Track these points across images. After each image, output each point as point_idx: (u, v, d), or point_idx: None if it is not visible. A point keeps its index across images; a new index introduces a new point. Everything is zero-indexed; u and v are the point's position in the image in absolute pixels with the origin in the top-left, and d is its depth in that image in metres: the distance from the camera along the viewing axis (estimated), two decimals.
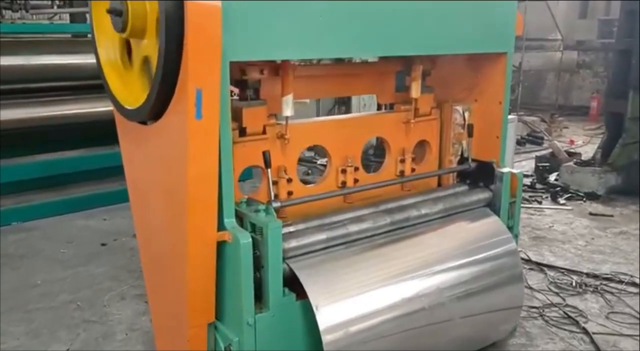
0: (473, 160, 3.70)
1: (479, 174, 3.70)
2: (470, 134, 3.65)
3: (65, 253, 5.34)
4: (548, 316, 4.18)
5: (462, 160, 3.80)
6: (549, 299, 4.44)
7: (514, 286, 3.57)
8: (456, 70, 3.82)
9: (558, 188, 7.46)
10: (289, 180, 3.18)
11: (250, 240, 2.57)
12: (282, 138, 3.11)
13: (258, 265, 2.66)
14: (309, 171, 8.22)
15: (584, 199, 7.16)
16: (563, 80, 15.16)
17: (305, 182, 3.41)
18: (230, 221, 2.63)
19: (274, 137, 3.10)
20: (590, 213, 6.63)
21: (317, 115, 8.74)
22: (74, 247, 5.49)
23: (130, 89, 2.80)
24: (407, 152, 3.67)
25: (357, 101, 8.77)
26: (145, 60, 2.65)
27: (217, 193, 2.55)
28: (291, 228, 2.96)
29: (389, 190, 3.62)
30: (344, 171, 3.41)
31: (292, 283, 2.78)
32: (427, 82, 3.71)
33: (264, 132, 3.04)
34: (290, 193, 3.19)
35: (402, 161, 3.67)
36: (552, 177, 7.96)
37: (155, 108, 2.51)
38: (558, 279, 4.81)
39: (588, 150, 9.70)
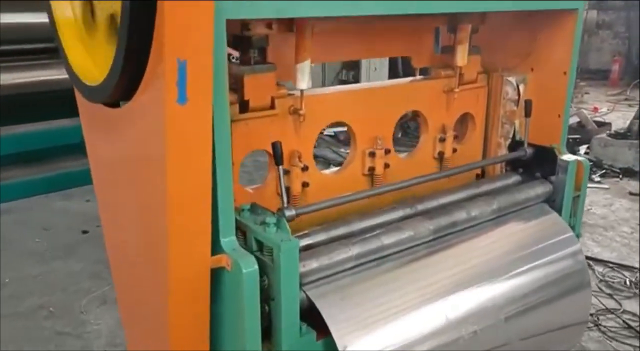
0: (529, 145, 2.98)
1: (537, 162, 2.98)
2: (527, 113, 2.91)
3: (39, 243, 4.66)
4: (605, 327, 3.54)
5: (515, 144, 3.08)
6: (602, 303, 3.80)
7: (581, 296, 2.91)
8: (508, 30, 3.05)
9: (590, 163, 6.75)
10: (305, 169, 2.46)
11: (256, 267, 1.88)
12: (295, 114, 2.38)
13: (267, 296, 1.98)
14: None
15: (620, 176, 6.47)
16: (581, 42, 14.24)
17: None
18: (229, 240, 1.93)
19: (285, 112, 2.36)
20: (630, 193, 5.96)
21: (323, 83, 7.90)
22: (50, 235, 4.80)
23: (94, 59, 2.05)
24: (447, 128, 2.95)
25: (367, 64, 7.96)
26: (113, 20, 1.89)
27: (210, 202, 1.84)
28: (309, 240, 2.26)
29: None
30: (372, 154, 2.69)
31: (310, 314, 2.10)
32: (472, 41, 2.95)
33: (272, 107, 2.31)
34: (305, 184, 2.48)
35: (442, 140, 2.95)
36: (581, 150, 7.26)
37: (122, 86, 1.77)
38: (608, 276, 4.16)
39: (614, 118, 8.96)
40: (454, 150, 3.00)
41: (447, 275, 2.50)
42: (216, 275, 1.96)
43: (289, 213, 2.12)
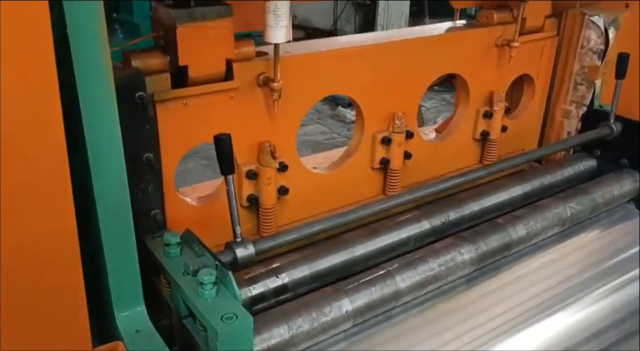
0: (617, 119, 2.08)
1: (624, 144, 2.10)
2: (620, 72, 1.98)
3: None
4: None
5: (592, 115, 2.18)
6: None
7: None
8: None
9: None
10: (282, 168, 1.63)
11: None
12: (267, 86, 1.53)
13: None
14: None
15: None
16: None
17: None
18: (129, 315, 1.15)
19: (250, 85, 1.53)
20: None
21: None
22: None
23: None
24: (497, 98, 2.07)
25: (385, 5, 6.74)
26: None
27: (77, 250, 1.04)
28: (277, 281, 1.47)
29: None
30: (386, 141, 1.84)
31: None
32: None
33: (228, 76, 1.48)
34: (283, 191, 1.67)
35: (488, 115, 2.08)
36: None
37: None
38: None
39: None
40: (504, 129, 2.13)
41: (499, 311, 1.70)
42: None
43: (244, 253, 1.32)
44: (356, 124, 1.87)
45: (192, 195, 1.69)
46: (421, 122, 4.80)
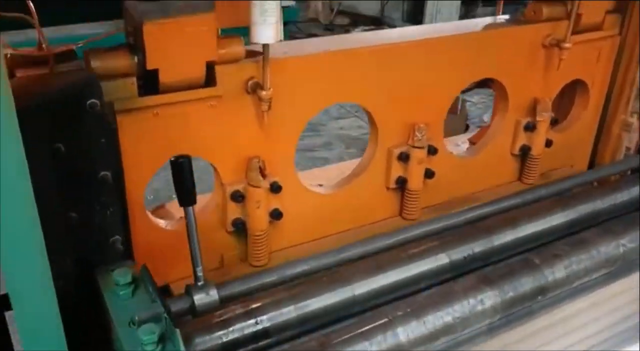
0: None
1: None
2: None
3: None
4: None
5: None
6: None
7: None
8: None
9: None
10: (275, 189, 1.39)
11: None
12: (255, 93, 1.28)
13: None
14: None
15: None
16: None
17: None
18: None
19: (237, 91, 1.29)
20: None
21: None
22: None
23: None
24: (542, 107, 1.76)
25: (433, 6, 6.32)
26: None
27: None
28: (259, 326, 1.24)
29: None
30: (404, 157, 1.57)
31: None
32: None
33: (210, 82, 1.25)
34: (276, 214, 1.43)
35: (530, 128, 1.77)
36: None
37: None
38: None
39: None
40: (548, 143, 1.82)
41: None
42: None
43: (204, 300, 1.10)
44: (369, 136, 1.61)
45: (175, 213, 1.49)
46: (463, 122, 4.45)
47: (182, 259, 1.36)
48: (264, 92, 1.24)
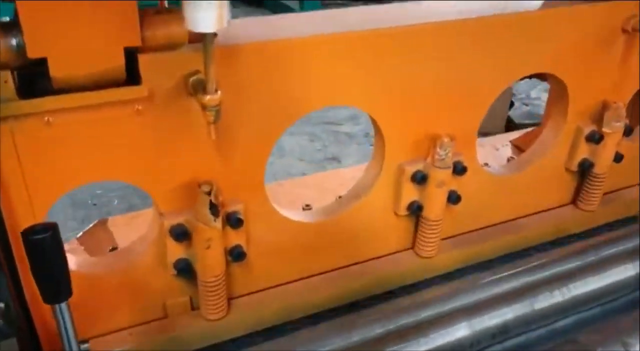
0: None
1: None
2: None
3: None
4: None
5: None
6: None
7: None
8: None
9: None
10: (234, 224, 1.01)
11: None
12: (200, 97, 0.86)
13: None
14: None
15: None
16: None
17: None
18: None
19: (174, 91, 0.89)
20: None
21: None
22: None
23: None
24: (614, 113, 1.32)
25: None
26: None
27: None
28: None
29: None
30: (419, 178, 1.16)
31: None
32: None
33: (133, 79, 0.86)
34: (237, 254, 1.04)
35: (596, 139, 1.34)
36: None
37: None
38: None
39: None
40: (618, 158, 1.37)
41: None
42: None
43: None
44: (374, 147, 1.20)
45: (117, 235, 1.14)
46: (504, 106, 3.88)
47: (106, 309, 1.02)
48: (207, 97, 0.84)
